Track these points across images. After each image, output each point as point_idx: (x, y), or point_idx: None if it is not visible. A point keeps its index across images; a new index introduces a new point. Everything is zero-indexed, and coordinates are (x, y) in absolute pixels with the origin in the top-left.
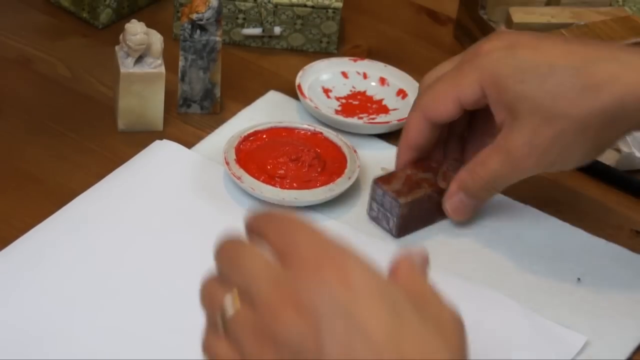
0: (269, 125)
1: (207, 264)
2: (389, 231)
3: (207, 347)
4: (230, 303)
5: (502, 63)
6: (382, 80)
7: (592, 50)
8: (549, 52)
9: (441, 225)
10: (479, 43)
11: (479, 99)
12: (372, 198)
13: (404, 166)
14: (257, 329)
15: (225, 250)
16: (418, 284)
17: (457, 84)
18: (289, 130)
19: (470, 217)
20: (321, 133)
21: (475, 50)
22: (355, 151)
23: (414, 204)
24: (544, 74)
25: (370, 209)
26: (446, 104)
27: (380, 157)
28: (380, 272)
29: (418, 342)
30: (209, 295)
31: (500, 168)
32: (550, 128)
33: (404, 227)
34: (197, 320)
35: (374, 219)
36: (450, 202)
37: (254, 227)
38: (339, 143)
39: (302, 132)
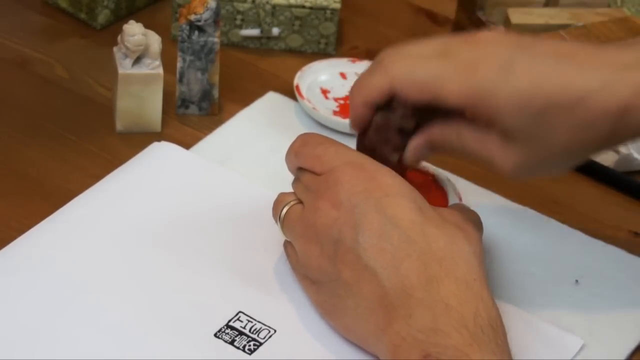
0: None
1: (205, 264)
2: None
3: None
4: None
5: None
6: None
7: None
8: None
9: None
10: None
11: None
12: None
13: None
14: (302, 220)
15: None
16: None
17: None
18: None
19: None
20: (433, 175)
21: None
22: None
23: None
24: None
25: None
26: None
27: None
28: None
29: (441, 230)
30: (277, 200)
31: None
32: (541, 155)
33: None
34: (196, 320)
35: None
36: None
37: (294, 154)
38: (449, 190)
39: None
